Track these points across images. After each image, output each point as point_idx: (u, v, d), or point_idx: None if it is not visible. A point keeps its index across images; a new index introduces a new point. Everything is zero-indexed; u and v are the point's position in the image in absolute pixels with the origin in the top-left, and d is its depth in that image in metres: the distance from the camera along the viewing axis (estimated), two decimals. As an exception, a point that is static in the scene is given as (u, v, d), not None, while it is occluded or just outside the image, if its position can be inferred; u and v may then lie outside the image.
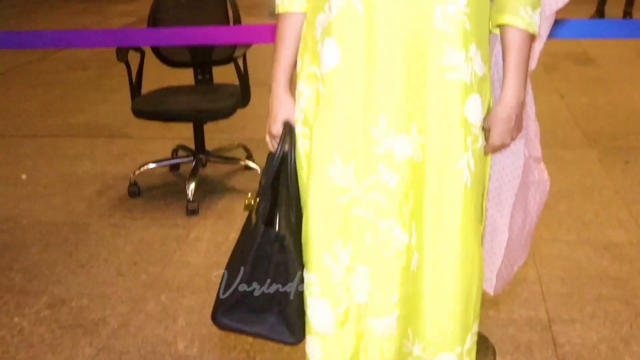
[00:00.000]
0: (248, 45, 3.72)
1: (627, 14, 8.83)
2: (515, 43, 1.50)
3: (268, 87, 1.64)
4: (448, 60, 1.45)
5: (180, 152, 4.04)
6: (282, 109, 1.63)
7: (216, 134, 4.26)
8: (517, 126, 1.55)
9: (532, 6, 1.49)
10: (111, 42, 3.48)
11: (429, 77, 1.46)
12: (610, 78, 6.08)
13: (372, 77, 1.46)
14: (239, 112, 3.66)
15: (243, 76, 3.60)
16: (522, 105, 1.55)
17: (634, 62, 6.81)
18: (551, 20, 1.68)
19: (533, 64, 1.69)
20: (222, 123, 3.85)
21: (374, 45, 1.45)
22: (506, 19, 1.49)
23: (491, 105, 1.58)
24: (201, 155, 3.81)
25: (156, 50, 3.81)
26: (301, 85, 1.59)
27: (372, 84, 1.47)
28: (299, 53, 1.60)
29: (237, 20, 3.76)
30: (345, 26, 1.47)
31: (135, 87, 3.65)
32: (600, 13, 8.95)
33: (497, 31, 1.56)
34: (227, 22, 3.80)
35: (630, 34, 4.20)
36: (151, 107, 3.57)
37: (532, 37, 1.53)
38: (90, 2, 11.71)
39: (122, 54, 3.56)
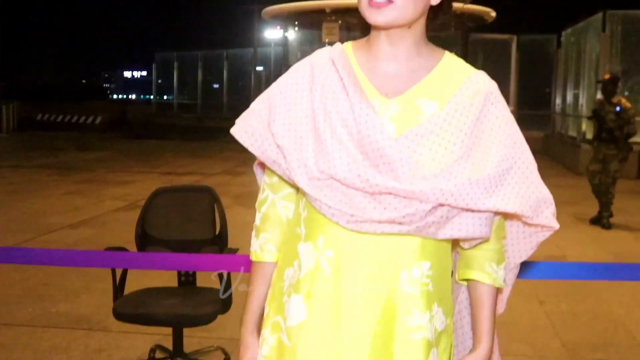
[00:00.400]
0: (234, 250, 3.72)
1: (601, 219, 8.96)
2: (483, 298, 1.57)
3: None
4: (413, 321, 1.48)
5: (158, 353, 3.93)
6: (247, 351, 1.65)
7: (196, 332, 4.18)
8: None
9: (496, 262, 1.57)
10: (100, 264, 3.47)
11: (396, 336, 1.48)
12: (588, 284, 6.08)
13: (338, 337, 1.48)
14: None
15: (226, 282, 3.56)
16: (491, 355, 1.57)
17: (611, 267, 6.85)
18: (516, 271, 1.74)
19: (501, 309, 1.72)
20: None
21: (340, 306, 1.48)
22: (473, 275, 1.56)
23: (453, 353, 1.59)
24: (178, 359, 3.71)
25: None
26: (265, 332, 1.60)
27: (337, 343, 1.48)
28: (267, 300, 1.63)
29: (224, 229, 3.78)
30: (313, 286, 1.50)
31: (118, 288, 3.61)
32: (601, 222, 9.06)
33: (462, 281, 1.61)
34: (214, 231, 3.83)
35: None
36: (132, 310, 3.51)
37: (498, 290, 1.59)
38: (84, 183, 11.95)
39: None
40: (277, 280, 1.60)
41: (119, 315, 3.49)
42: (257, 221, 1.67)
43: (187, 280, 3.82)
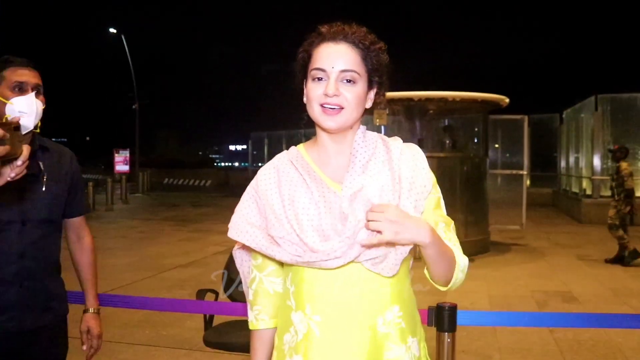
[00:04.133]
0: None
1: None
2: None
3: None
4: (392, 354, 1.43)
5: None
6: None
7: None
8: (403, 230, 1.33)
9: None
10: (192, 310, 3.40)
11: None
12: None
13: None
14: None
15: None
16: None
17: (610, 299, 6.47)
18: None
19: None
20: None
21: (328, 355, 1.43)
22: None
23: None
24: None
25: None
26: None
27: None
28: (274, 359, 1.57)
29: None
30: (308, 347, 1.45)
31: (208, 321, 3.52)
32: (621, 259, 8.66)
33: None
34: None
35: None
36: (217, 339, 3.42)
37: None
38: (195, 232, 12.05)
39: (201, 294, 3.49)
40: (279, 344, 1.53)
41: (208, 344, 3.41)
42: (250, 297, 1.62)
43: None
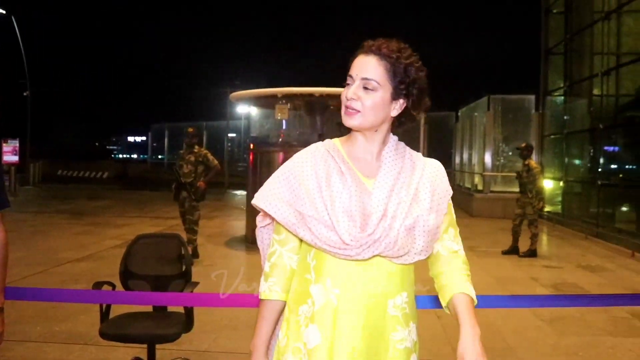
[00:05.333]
0: (196, 284, 3.69)
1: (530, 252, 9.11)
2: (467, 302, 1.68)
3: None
4: (398, 336, 1.62)
5: (136, 364, 3.84)
6: None
7: (168, 346, 4.11)
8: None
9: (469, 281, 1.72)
10: (88, 300, 3.41)
11: (389, 346, 1.61)
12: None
13: (343, 352, 1.58)
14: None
15: (190, 310, 3.54)
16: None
17: (493, 287, 6.92)
18: None
19: None
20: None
21: (345, 328, 1.58)
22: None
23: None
24: (153, 368, 3.62)
25: (125, 286, 3.74)
26: (288, 357, 1.64)
27: (343, 357, 1.58)
28: (283, 332, 1.67)
29: (188, 267, 3.76)
30: (324, 317, 1.59)
31: (104, 313, 3.53)
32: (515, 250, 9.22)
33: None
34: (181, 268, 3.80)
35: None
36: (114, 331, 3.43)
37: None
38: (90, 225, 11.70)
39: (97, 286, 3.49)
40: (292, 315, 1.65)
41: (104, 335, 3.42)
42: (267, 268, 1.72)
43: (160, 306, 3.76)
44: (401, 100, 1.65)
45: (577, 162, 14.88)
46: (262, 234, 1.82)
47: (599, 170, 12.80)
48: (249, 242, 9.75)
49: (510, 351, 4.70)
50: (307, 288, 1.63)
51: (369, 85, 1.60)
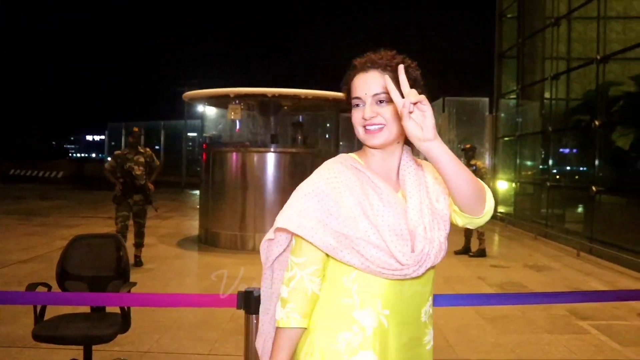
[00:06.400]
0: (133, 284, 3.68)
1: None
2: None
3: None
4: (427, 339, 1.65)
5: (73, 366, 3.81)
6: None
7: (106, 347, 4.08)
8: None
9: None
10: (23, 302, 3.37)
11: (424, 351, 1.65)
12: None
13: None
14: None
15: (126, 310, 3.53)
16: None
17: (440, 286, 7.04)
18: None
19: None
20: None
21: (395, 344, 1.58)
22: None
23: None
24: (89, 369, 3.60)
25: (62, 287, 3.71)
26: None
27: None
28: None
29: (126, 267, 3.74)
30: (380, 340, 1.56)
31: (38, 315, 3.49)
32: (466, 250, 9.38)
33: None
34: (119, 268, 3.77)
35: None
36: (48, 333, 3.40)
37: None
38: (41, 226, 11.48)
39: (31, 287, 3.45)
40: (327, 344, 1.57)
41: (37, 337, 3.38)
42: (284, 294, 1.60)
43: (97, 306, 3.74)
44: None
45: (528, 163, 15.23)
46: (271, 248, 1.71)
47: (549, 172, 13.13)
48: (202, 242, 9.72)
49: (450, 349, 4.80)
50: (348, 314, 1.56)
51: (382, 98, 1.58)
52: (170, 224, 12.33)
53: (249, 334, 2.19)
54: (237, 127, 11.02)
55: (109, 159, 8.36)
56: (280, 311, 1.59)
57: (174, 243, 9.84)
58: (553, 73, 13.45)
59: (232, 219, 9.23)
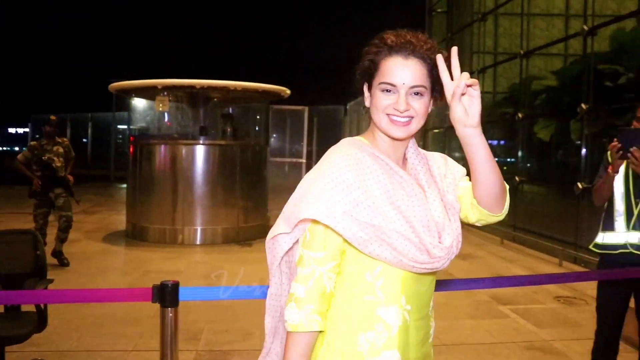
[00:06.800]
0: (50, 281, 3.59)
1: None
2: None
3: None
4: (432, 330, 1.62)
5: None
6: None
7: (22, 347, 3.95)
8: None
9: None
10: None
11: (429, 344, 1.60)
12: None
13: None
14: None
15: (41, 308, 3.43)
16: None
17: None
18: None
19: None
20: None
21: (411, 341, 1.52)
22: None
23: None
24: (3, 370, 3.48)
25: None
26: None
27: None
28: None
29: (43, 264, 3.63)
30: (405, 337, 1.50)
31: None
32: None
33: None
34: (36, 265, 3.67)
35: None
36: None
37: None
38: None
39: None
40: (346, 346, 1.47)
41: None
42: (302, 294, 1.43)
43: (11, 305, 3.62)
44: (433, 98, 1.54)
45: (457, 155, 15.63)
46: (281, 245, 1.53)
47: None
48: (129, 236, 9.53)
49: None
50: (371, 312, 1.47)
51: (419, 90, 1.48)
52: (96, 218, 12.01)
53: (165, 327, 2.18)
54: (166, 119, 10.84)
55: (24, 149, 7.86)
56: (297, 313, 1.42)
57: (100, 238, 9.60)
58: (480, 67, 13.85)
59: (160, 213, 9.09)
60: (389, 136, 1.52)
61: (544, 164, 15.32)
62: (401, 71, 1.46)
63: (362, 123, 17.93)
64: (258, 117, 12.09)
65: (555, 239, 9.05)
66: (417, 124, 1.49)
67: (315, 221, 1.43)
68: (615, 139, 3.24)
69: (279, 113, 13.82)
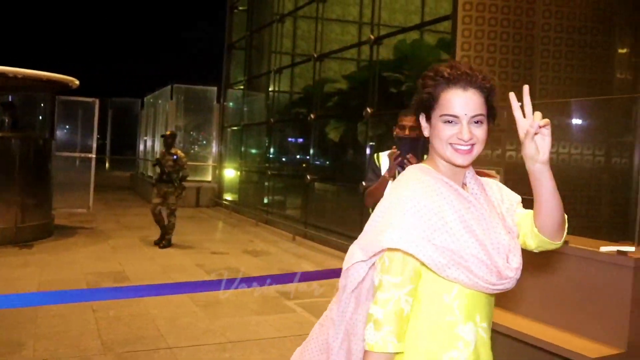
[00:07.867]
0: None
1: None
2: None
3: None
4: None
5: None
6: None
7: None
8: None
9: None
10: None
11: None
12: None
13: None
14: None
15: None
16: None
17: (158, 276, 7.04)
18: None
19: None
20: None
21: (484, 357, 1.62)
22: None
23: None
24: None
25: None
26: None
27: None
28: None
29: None
30: (480, 353, 1.59)
31: None
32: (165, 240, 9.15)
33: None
34: None
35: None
36: None
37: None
38: None
39: None
40: None
41: None
42: (380, 315, 1.52)
43: None
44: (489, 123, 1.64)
45: (253, 152, 15.94)
46: (358, 272, 1.62)
47: (270, 160, 13.91)
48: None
49: (161, 338, 4.84)
50: (452, 331, 1.56)
51: (479, 119, 1.56)
52: None
53: None
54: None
55: None
56: (374, 334, 1.52)
57: None
58: (277, 67, 14.24)
59: None
60: (452, 164, 1.61)
61: (336, 164, 16.21)
62: (461, 102, 1.55)
63: (159, 118, 17.49)
64: (43, 106, 11.22)
65: (342, 234, 9.59)
66: (477, 150, 1.59)
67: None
68: (393, 147, 3.60)
69: (70, 104, 12.97)
